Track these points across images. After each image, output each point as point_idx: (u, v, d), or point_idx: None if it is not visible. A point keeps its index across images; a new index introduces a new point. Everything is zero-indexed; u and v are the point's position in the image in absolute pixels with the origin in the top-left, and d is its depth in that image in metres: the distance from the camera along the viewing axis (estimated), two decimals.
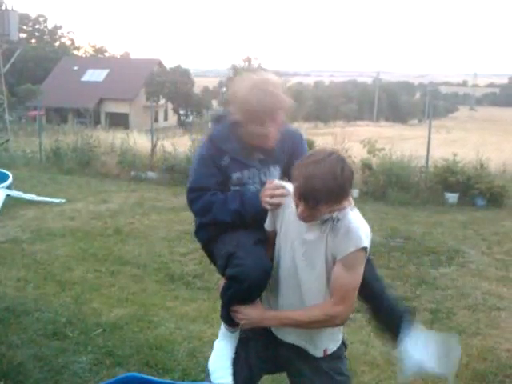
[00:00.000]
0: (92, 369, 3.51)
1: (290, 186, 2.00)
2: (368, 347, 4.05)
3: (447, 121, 55.68)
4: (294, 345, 2.14)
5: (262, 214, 2.10)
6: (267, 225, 2.14)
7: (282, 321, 2.05)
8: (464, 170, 10.59)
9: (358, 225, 1.92)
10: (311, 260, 1.98)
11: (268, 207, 2.05)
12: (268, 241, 2.14)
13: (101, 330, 4.12)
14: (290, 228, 2.03)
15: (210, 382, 2.14)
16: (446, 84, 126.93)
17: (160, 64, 47.45)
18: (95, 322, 4.27)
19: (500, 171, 11.52)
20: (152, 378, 2.09)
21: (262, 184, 2.17)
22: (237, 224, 2.13)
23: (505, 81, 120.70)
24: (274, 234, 2.12)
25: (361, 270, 1.94)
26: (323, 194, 1.80)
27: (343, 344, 2.22)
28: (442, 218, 9.08)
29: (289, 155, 2.27)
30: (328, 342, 2.13)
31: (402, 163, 11.02)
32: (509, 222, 8.73)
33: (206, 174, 2.19)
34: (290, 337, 2.13)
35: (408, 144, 14.32)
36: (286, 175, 2.25)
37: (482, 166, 10.60)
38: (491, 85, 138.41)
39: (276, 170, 2.28)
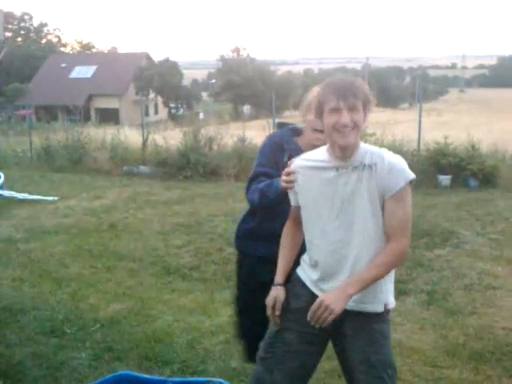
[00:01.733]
0: (91, 364, 3.51)
1: (297, 161, 2.18)
2: None
3: (438, 104, 55.67)
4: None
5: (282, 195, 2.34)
6: (291, 201, 2.27)
7: (364, 282, 1.99)
8: (456, 151, 10.62)
9: (398, 160, 2.02)
10: (356, 210, 2.03)
11: (284, 185, 2.23)
12: (295, 218, 2.28)
13: (99, 325, 4.12)
14: (317, 192, 2.10)
15: None
16: (435, 67, 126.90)
17: (148, 57, 47.20)
18: (93, 318, 4.26)
19: (491, 152, 11.56)
20: (142, 375, 2.09)
21: None
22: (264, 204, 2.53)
23: (494, 62, 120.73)
24: (298, 208, 2.23)
25: (410, 201, 2.02)
26: (359, 90, 1.94)
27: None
28: (435, 200, 9.11)
29: None
30: (387, 295, 2.14)
31: (394, 147, 11.01)
32: (502, 202, 8.77)
33: (265, 165, 2.60)
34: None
35: (399, 128, 14.32)
36: None
37: (473, 147, 10.62)
38: (480, 66, 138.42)
39: None
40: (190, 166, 11.61)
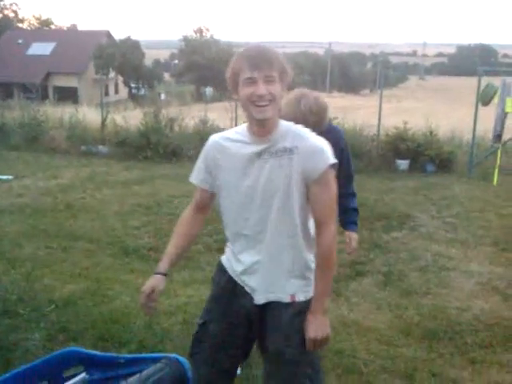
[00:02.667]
0: (45, 345, 3.43)
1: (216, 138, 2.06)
2: None
3: (398, 90, 56.35)
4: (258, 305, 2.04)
5: None
6: (199, 183, 2.12)
7: (321, 293, 1.97)
8: (414, 137, 10.79)
9: (320, 143, 1.93)
10: (275, 198, 1.92)
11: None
12: (199, 204, 2.17)
13: (53, 306, 4.03)
14: (235, 174, 1.97)
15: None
16: (397, 54, 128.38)
17: (109, 35, 46.10)
18: (48, 299, 4.17)
19: (449, 138, 11.82)
20: (93, 351, 2.04)
21: None
22: None
23: (453, 50, 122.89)
24: (207, 193, 2.12)
25: (334, 185, 1.95)
26: (275, 60, 1.83)
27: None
28: (393, 184, 9.26)
29: None
30: (295, 288, 2.02)
31: (355, 132, 11.13)
32: (457, 187, 8.98)
33: None
34: (259, 297, 2.03)
35: (360, 113, 14.45)
36: None
37: (431, 133, 10.82)
38: (440, 54, 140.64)
39: None
40: (150, 147, 11.44)
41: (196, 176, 2.12)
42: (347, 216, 3.14)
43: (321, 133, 2.16)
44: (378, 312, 4.16)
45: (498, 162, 9.42)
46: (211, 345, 2.13)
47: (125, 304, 4.15)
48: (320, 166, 1.89)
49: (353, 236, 3.14)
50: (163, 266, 2.16)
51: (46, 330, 3.63)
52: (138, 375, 2.42)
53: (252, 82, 1.82)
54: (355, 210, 3.21)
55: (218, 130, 10.23)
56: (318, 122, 2.59)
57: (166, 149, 11.46)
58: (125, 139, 11.76)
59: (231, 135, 2.03)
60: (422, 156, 10.49)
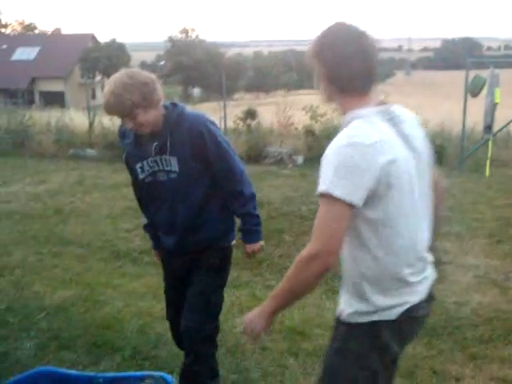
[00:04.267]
0: (37, 354, 3.35)
1: None
2: (320, 309, 4.05)
3: (385, 86, 56.43)
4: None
5: None
6: None
7: (277, 295, 1.83)
8: None
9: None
10: None
11: None
12: None
13: (44, 313, 3.94)
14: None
15: None
16: (383, 49, 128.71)
17: (93, 39, 45.86)
18: (38, 306, 4.08)
19: (438, 132, 11.79)
20: (66, 370, 1.92)
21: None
22: None
23: (438, 44, 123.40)
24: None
25: (323, 206, 1.72)
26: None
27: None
28: None
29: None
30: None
31: None
32: (448, 180, 8.94)
33: None
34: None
35: None
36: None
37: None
38: (425, 49, 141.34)
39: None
40: None
41: None
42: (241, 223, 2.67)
43: (167, 122, 2.43)
44: None
45: (490, 153, 9.40)
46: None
47: (117, 309, 4.06)
48: None
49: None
50: None
51: (38, 339, 3.55)
52: None
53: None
54: (249, 214, 2.62)
55: None
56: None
57: None
58: (113, 142, 11.61)
59: None
60: None
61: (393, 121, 1.75)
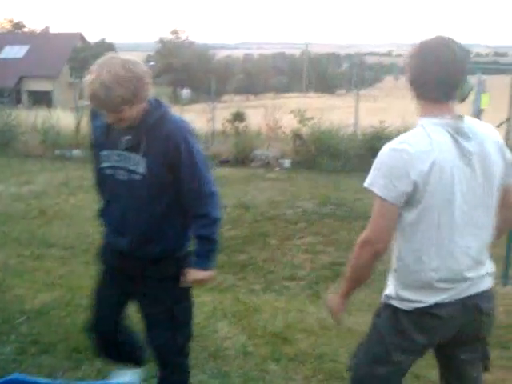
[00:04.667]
0: (16, 359, 3.30)
1: None
2: (303, 314, 4.04)
3: (374, 90, 56.70)
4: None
5: None
6: None
7: (346, 283, 2.10)
8: (391, 136, 10.78)
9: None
10: None
11: None
12: None
13: (25, 317, 3.89)
14: None
15: None
16: (372, 54, 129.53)
17: (82, 38, 45.62)
18: (19, 310, 4.01)
19: None
20: (38, 379, 1.89)
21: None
22: None
23: None
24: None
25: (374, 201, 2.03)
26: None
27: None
28: None
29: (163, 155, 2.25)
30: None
31: (332, 132, 11.12)
32: None
33: None
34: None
35: (336, 114, 14.46)
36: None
37: (407, 131, 10.83)
38: None
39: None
40: None
41: None
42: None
43: (146, 121, 2.22)
44: (358, 313, 4.10)
45: None
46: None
47: None
48: None
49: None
50: None
51: (17, 343, 3.49)
52: None
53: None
54: (207, 238, 2.34)
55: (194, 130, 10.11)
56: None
57: None
58: None
59: None
60: None
61: (457, 135, 1.85)
